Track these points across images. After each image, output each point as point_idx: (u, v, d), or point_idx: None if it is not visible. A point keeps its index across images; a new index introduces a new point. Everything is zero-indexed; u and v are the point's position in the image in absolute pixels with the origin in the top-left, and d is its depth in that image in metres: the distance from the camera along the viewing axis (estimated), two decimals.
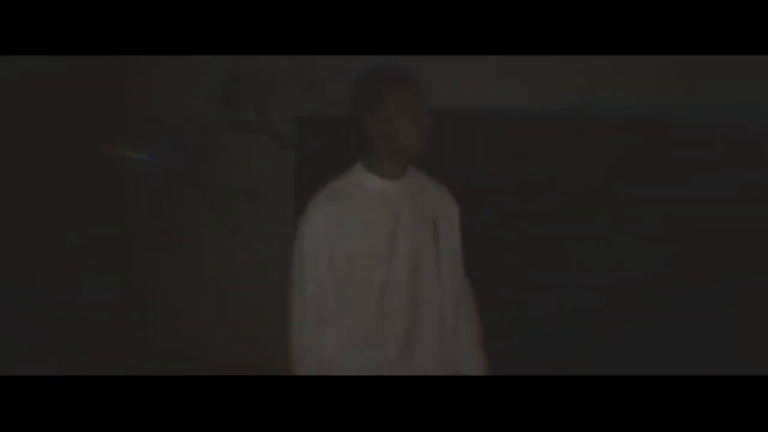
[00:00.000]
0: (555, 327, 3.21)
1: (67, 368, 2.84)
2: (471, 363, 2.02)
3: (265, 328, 3.62)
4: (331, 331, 1.86)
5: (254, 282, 3.70)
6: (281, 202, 3.56)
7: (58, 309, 3.57)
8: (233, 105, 3.67)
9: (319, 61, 3.15)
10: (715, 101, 2.99)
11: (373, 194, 1.87)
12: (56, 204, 3.67)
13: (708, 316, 3.07)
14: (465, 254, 2.03)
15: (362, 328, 1.87)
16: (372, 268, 1.85)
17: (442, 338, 1.95)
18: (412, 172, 1.94)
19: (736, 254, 3.05)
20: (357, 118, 1.86)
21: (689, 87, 3.02)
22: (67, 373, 1.90)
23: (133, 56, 2.53)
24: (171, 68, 3.49)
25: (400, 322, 1.88)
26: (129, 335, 3.79)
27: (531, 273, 3.24)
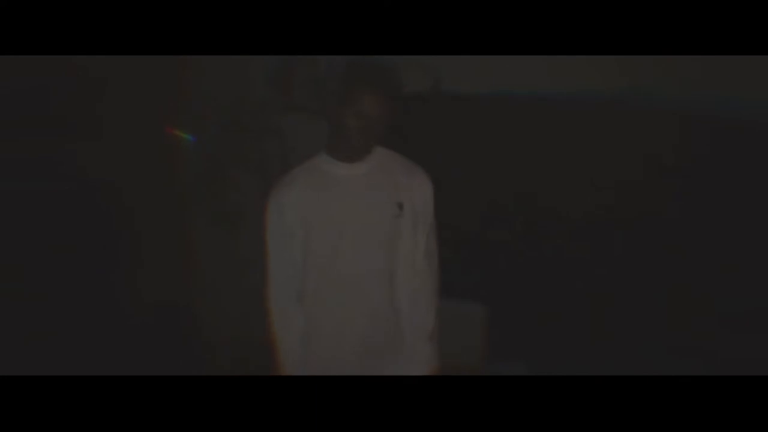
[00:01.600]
0: (554, 326, 3.21)
1: (66, 368, 2.84)
2: (418, 351, 2.03)
3: None
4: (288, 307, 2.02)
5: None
6: None
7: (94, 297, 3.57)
8: (287, 87, 3.69)
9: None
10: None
11: (332, 176, 1.95)
12: (101, 187, 3.70)
13: (708, 316, 3.07)
14: (440, 237, 2.05)
15: (315, 307, 1.98)
16: (326, 249, 1.93)
17: (396, 322, 2.00)
18: (376, 155, 1.97)
19: (737, 254, 3.05)
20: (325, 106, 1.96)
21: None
22: (65, 372, 1.90)
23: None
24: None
25: (353, 304, 1.95)
26: (172, 311, 3.80)
27: (530, 270, 3.25)
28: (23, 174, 3.24)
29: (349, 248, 1.92)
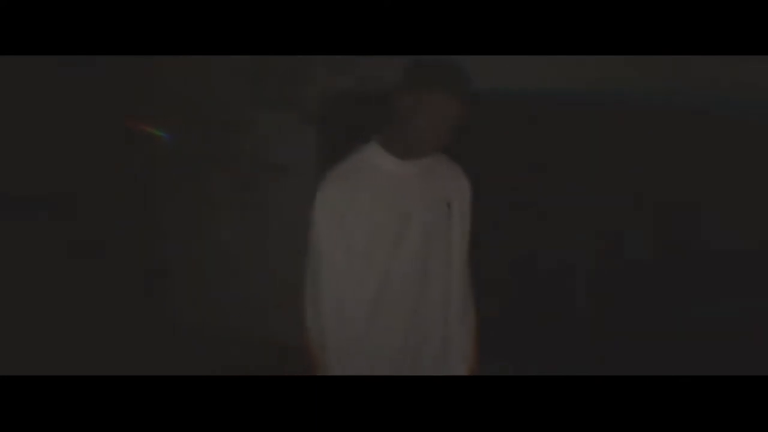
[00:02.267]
0: (556, 326, 3.21)
1: (65, 366, 2.84)
2: (462, 351, 2.01)
3: (288, 305, 3.66)
4: (340, 308, 1.89)
5: (276, 258, 3.73)
6: (305, 179, 3.59)
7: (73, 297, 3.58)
8: (259, 81, 3.69)
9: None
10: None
11: (386, 174, 1.88)
12: (75, 182, 3.71)
13: (709, 315, 3.07)
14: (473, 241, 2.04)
15: (367, 307, 1.89)
16: (381, 248, 1.86)
17: (446, 324, 1.97)
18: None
19: (737, 254, 3.06)
20: (393, 91, 1.84)
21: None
22: (65, 372, 1.89)
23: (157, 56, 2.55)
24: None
25: (406, 303, 1.89)
26: (149, 313, 3.81)
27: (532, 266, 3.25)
28: None
29: (403, 246, 1.87)
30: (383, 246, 1.87)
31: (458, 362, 2.01)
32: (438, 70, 1.82)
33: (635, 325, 3.17)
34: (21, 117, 3.46)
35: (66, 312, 3.44)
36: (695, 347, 3.05)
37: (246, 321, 3.76)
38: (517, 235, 3.22)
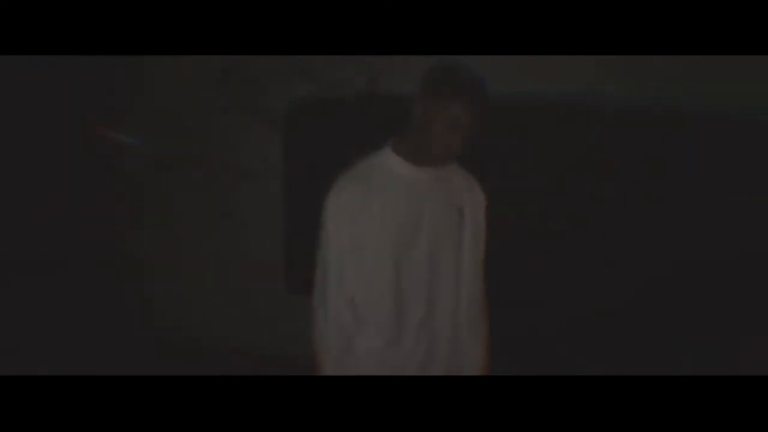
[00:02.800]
0: (559, 327, 3.21)
1: (52, 367, 2.84)
2: (474, 359, 2.01)
3: (254, 309, 3.69)
4: (350, 311, 1.89)
5: (245, 263, 3.74)
6: (272, 184, 3.60)
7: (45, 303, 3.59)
8: (226, 86, 3.68)
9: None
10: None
11: (399, 178, 1.87)
12: (44, 191, 3.71)
13: (708, 315, 3.07)
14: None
15: (378, 312, 1.89)
16: (391, 253, 1.86)
17: (455, 328, 1.96)
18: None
19: (736, 253, 3.05)
20: (416, 97, 1.82)
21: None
22: (54, 372, 1.89)
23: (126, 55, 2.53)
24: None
25: (416, 309, 1.89)
26: (118, 320, 3.80)
27: (533, 273, 3.24)
28: None
29: (413, 251, 1.86)
30: (393, 250, 1.86)
31: (470, 372, 2.00)
32: (456, 79, 1.79)
33: (636, 325, 3.16)
34: None
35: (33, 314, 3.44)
36: (695, 347, 3.05)
37: (207, 324, 3.77)
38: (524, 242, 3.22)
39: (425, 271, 1.89)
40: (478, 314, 2.00)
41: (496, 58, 2.69)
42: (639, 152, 3.12)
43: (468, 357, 2.00)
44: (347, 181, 1.88)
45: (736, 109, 2.97)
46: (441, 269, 1.91)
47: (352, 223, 1.85)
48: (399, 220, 1.86)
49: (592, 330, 3.18)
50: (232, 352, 3.49)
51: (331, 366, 1.89)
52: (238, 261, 3.76)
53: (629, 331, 3.16)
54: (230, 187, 3.75)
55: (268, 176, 3.64)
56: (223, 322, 3.76)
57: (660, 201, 3.13)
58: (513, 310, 3.16)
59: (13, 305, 3.52)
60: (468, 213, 1.94)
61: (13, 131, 3.58)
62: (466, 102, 1.76)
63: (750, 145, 3.02)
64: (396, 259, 1.87)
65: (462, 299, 1.96)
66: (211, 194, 3.79)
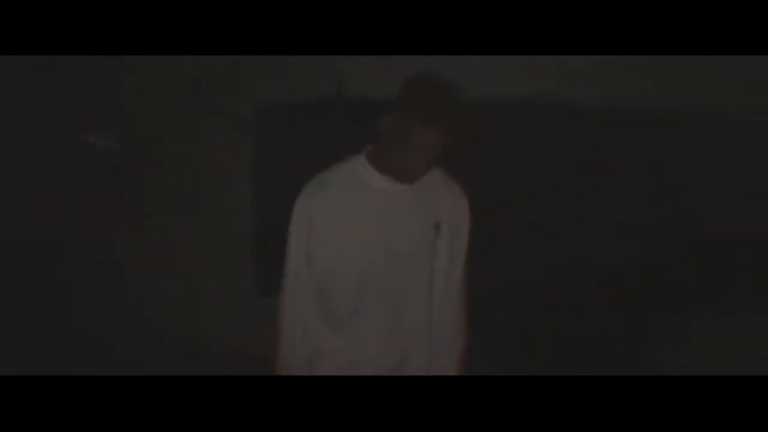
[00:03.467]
0: (554, 327, 3.20)
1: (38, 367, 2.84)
2: (446, 370, 1.97)
3: (221, 310, 3.67)
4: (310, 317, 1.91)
5: (209, 266, 3.73)
6: (240, 188, 3.59)
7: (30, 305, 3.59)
8: (195, 87, 3.67)
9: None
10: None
11: (366, 187, 1.84)
12: (21, 192, 3.71)
13: (707, 315, 3.07)
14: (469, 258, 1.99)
15: (337, 318, 1.89)
16: (355, 262, 1.85)
17: (428, 341, 1.94)
18: None
19: (736, 253, 3.05)
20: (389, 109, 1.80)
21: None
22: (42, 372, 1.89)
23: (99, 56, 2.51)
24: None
25: (381, 318, 1.88)
26: (89, 320, 3.80)
27: (528, 272, 3.24)
28: None
29: (380, 265, 1.83)
30: (356, 259, 1.84)
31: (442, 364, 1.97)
32: (428, 96, 1.74)
33: (636, 326, 3.16)
34: None
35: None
36: (695, 347, 3.05)
37: (180, 323, 3.76)
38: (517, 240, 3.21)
39: (388, 283, 1.85)
40: (453, 328, 1.96)
41: (496, 58, 2.69)
42: (639, 152, 3.11)
43: (442, 368, 1.96)
44: (315, 187, 1.87)
45: (736, 109, 2.97)
46: (408, 284, 1.88)
47: (317, 231, 1.84)
48: (365, 231, 1.83)
49: (592, 330, 3.17)
50: (231, 353, 3.48)
51: (299, 367, 1.92)
52: (205, 263, 3.75)
53: (629, 331, 3.16)
54: (199, 191, 3.72)
55: (236, 180, 3.61)
56: (223, 322, 3.75)
57: (660, 201, 3.13)
58: (513, 310, 3.17)
59: (13, 305, 3.52)
60: (446, 226, 1.89)
61: None
62: (434, 129, 1.71)
63: (750, 145, 3.02)
64: (359, 268, 1.84)
65: (433, 315, 1.92)
66: (180, 198, 3.78)
